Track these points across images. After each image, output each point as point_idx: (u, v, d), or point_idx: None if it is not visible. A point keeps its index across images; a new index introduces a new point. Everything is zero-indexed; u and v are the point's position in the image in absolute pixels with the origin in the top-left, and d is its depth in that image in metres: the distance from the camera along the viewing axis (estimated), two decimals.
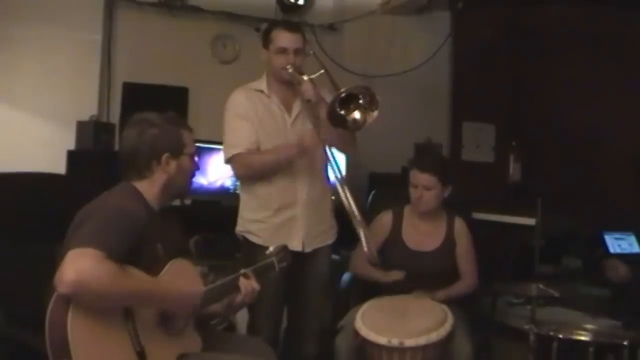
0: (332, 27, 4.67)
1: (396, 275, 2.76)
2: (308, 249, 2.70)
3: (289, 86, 2.71)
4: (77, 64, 4.03)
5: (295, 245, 2.64)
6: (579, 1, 4.39)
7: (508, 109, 5.08)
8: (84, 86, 4.05)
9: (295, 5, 4.53)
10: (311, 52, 2.73)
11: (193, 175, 2.15)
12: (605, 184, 4.27)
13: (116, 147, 3.93)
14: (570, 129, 4.53)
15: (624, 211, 4.00)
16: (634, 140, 4.11)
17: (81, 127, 3.89)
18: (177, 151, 2.04)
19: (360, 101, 2.46)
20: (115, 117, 4.13)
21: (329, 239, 2.81)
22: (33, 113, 3.93)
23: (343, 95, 2.41)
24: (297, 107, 2.73)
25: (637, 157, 3.96)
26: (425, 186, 2.83)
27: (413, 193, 2.87)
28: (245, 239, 2.73)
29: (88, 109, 4.00)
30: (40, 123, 3.94)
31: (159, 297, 1.86)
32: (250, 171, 2.69)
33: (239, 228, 2.78)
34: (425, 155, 3.31)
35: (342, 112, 2.45)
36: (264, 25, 4.38)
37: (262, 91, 2.74)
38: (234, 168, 2.72)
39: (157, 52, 4.25)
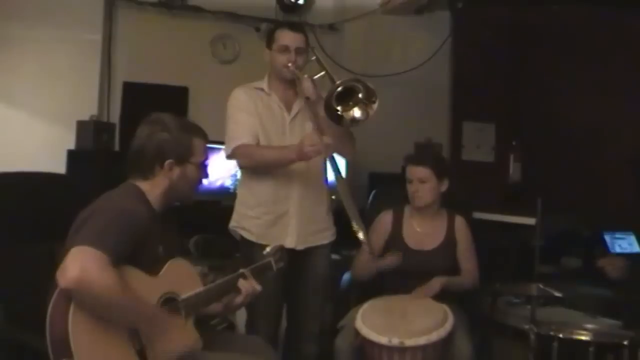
0: (332, 27, 4.67)
1: (392, 259, 2.77)
2: (300, 247, 2.70)
3: (289, 85, 2.74)
4: (77, 64, 4.03)
5: (289, 242, 2.64)
6: (579, 1, 4.38)
7: (508, 109, 5.07)
8: (84, 86, 4.05)
9: (295, 5, 4.52)
10: (313, 57, 2.74)
11: (198, 183, 2.15)
12: (605, 184, 4.27)
13: (116, 147, 3.94)
14: (571, 129, 4.53)
15: (624, 211, 4.00)
16: (634, 140, 4.11)
17: (81, 127, 3.88)
18: (182, 159, 2.04)
19: (360, 95, 2.46)
20: (115, 117, 4.14)
21: (325, 239, 2.80)
22: (33, 113, 3.93)
23: (340, 89, 2.41)
24: (297, 106, 2.75)
25: (637, 157, 3.95)
26: (419, 179, 2.84)
27: (409, 189, 2.87)
28: (242, 238, 2.74)
29: (88, 109, 4.00)
30: (40, 123, 3.94)
31: (151, 325, 1.83)
32: (252, 162, 2.69)
33: (233, 223, 2.79)
34: (418, 151, 3.30)
35: (340, 107, 2.44)
36: (264, 25, 4.41)
37: (262, 89, 2.77)
38: (237, 158, 2.70)
39: (157, 52, 4.25)
